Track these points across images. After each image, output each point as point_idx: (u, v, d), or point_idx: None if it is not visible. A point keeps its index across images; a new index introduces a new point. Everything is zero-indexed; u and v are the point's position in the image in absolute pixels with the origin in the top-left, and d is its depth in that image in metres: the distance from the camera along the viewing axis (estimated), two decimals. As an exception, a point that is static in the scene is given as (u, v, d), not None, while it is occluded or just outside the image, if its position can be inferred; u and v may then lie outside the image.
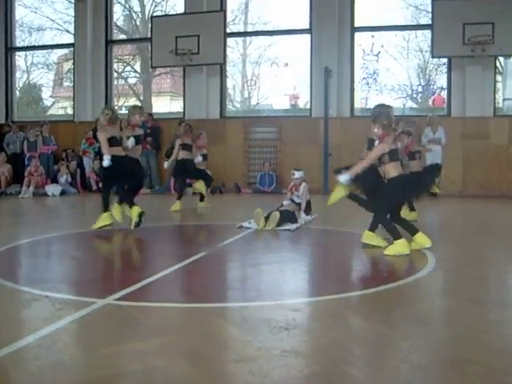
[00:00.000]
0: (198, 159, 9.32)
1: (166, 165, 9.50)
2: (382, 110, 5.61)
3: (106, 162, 6.66)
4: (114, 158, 6.71)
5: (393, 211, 5.50)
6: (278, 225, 6.94)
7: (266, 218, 7.00)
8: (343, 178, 5.41)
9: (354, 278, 4.67)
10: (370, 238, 5.59)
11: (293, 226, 7.00)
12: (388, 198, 5.44)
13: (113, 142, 6.84)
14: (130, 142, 6.97)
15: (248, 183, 13.97)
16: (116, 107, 16.20)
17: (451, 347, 2.80)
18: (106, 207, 6.86)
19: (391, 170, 5.34)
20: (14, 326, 3.14)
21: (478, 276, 4.55)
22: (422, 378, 2.41)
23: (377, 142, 5.50)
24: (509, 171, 12.59)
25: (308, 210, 7.90)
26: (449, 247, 6.03)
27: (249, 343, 2.81)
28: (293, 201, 7.70)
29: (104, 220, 6.78)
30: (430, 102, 14.56)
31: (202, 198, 9.44)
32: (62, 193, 12.79)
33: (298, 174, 7.72)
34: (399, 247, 5.23)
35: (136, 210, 6.78)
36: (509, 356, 2.69)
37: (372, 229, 5.61)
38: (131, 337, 2.91)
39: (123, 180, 7.07)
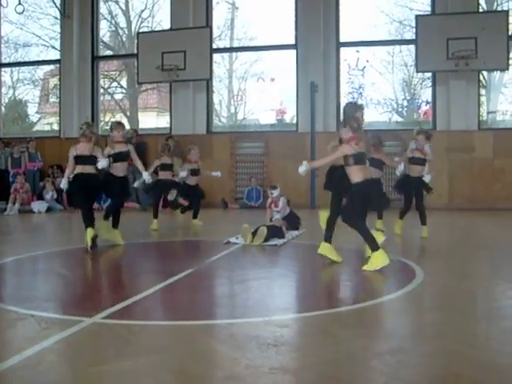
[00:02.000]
0: (183, 174, 8.97)
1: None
2: (351, 112, 5.60)
3: (62, 185, 6.70)
4: (79, 177, 6.63)
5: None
6: (266, 240, 6.93)
7: (254, 234, 6.99)
8: (302, 168, 5.43)
9: (341, 293, 4.66)
10: (325, 249, 5.61)
11: (280, 241, 7.00)
12: (353, 204, 5.36)
13: (80, 160, 6.67)
14: (101, 164, 6.74)
15: (235, 198, 13.97)
16: (102, 123, 16.19)
17: (440, 362, 2.80)
18: (87, 223, 6.58)
19: (355, 174, 5.26)
20: (-1, 347, 3.10)
21: (465, 289, 4.57)
22: (411, 394, 2.40)
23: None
24: (494, 184, 12.71)
25: (297, 225, 7.92)
26: (436, 261, 6.05)
27: (237, 361, 2.79)
28: (270, 220, 7.76)
29: (88, 235, 6.50)
30: (421, 115, 14.67)
31: (195, 215, 9.22)
32: (48, 209, 12.70)
33: (275, 192, 7.85)
34: (378, 260, 5.10)
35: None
36: (497, 370, 2.68)
37: (328, 240, 5.62)
38: (119, 355, 2.88)
39: (92, 198, 6.99)
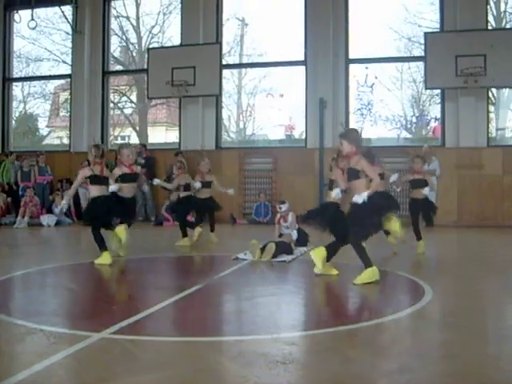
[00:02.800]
0: (197, 185, 8.91)
1: (156, 181, 9.08)
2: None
3: (62, 207, 6.64)
4: (100, 199, 6.67)
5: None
6: (274, 256, 6.93)
7: (262, 250, 6.99)
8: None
9: (350, 311, 4.64)
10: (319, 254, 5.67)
11: (289, 258, 6.99)
12: (362, 222, 5.36)
13: (95, 180, 6.69)
14: (111, 188, 6.82)
15: (243, 214, 13.97)
16: (111, 137, 16.29)
17: (450, 382, 2.78)
18: (100, 245, 6.68)
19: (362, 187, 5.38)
20: (7, 361, 3.10)
21: (475, 308, 4.54)
22: (421, 415, 2.39)
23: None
24: (503, 201, 12.65)
25: (306, 241, 7.91)
26: (445, 279, 6.02)
27: (245, 378, 2.78)
28: (280, 235, 7.76)
29: (104, 259, 6.60)
30: (430, 132, 14.67)
31: (212, 228, 9.19)
32: (57, 223, 12.74)
33: (284, 207, 7.83)
34: (368, 276, 5.24)
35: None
36: (507, 391, 2.67)
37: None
38: (127, 371, 2.88)
39: (107, 218, 6.92)
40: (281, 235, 7.81)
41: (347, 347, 3.37)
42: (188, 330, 3.89)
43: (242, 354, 3.19)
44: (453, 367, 2.99)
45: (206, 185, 9.05)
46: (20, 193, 13.54)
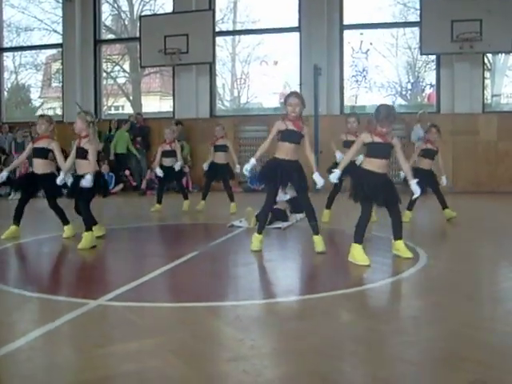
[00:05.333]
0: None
1: (205, 166, 9.16)
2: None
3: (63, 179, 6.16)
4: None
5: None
6: (270, 223, 6.93)
7: (257, 217, 6.99)
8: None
9: (345, 276, 4.66)
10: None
11: (284, 224, 7.01)
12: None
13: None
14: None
15: (238, 182, 13.96)
16: (105, 107, 16.17)
17: (443, 344, 2.81)
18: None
19: None
20: (5, 329, 3.12)
21: (469, 272, 4.58)
22: (416, 375, 2.42)
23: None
24: (498, 167, 12.68)
25: (301, 208, 7.91)
26: (440, 244, 6.05)
27: (242, 342, 2.81)
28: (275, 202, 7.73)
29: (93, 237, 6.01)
30: (425, 99, 14.61)
31: (231, 198, 9.09)
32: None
33: None
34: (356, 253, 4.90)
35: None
36: (501, 352, 2.70)
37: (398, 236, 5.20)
38: (124, 337, 2.90)
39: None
40: (275, 203, 7.80)
41: (342, 311, 3.40)
42: (185, 295, 3.91)
43: (238, 318, 3.22)
44: (447, 329, 3.02)
45: (222, 148, 9.11)
46: (14, 164, 13.47)
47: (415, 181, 5.14)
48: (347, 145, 7.48)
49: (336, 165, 6.64)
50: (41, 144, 6.48)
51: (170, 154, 8.97)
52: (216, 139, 9.17)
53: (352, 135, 7.42)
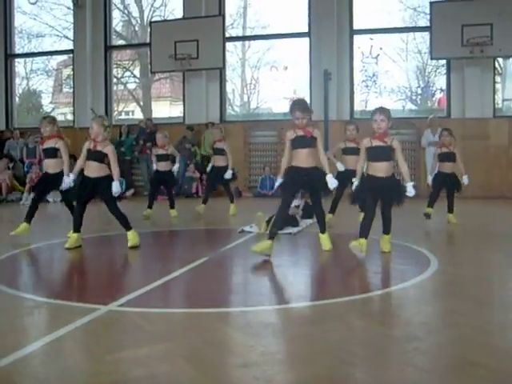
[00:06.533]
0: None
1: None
2: None
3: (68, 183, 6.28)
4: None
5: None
6: (280, 229, 6.92)
7: (268, 222, 6.99)
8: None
9: (356, 281, 4.66)
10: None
11: (294, 230, 7.00)
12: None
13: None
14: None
15: (249, 187, 13.98)
16: (115, 112, 16.25)
17: (455, 349, 2.80)
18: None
19: None
20: (18, 334, 3.14)
21: (480, 278, 4.56)
22: (427, 381, 2.41)
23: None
24: (509, 172, 12.60)
25: (311, 214, 7.90)
26: (451, 249, 6.03)
27: (252, 348, 2.81)
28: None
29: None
30: (435, 103, 14.56)
31: (231, 199, 9.35)
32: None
33: None
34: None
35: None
36: (512, 357, 2.69)
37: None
38: (135, 343, 2.91)
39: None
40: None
41: (353, 317, 3.39)
42: (195, 301, 3.92)
43: (248, 324, 3.22)
44: (458, 335, 3.01)
45: (219, 152, 9.21)
46: (25, 169, 13.56)
47: (412, 183, 5.36)
48: (346, 152, 7.66)
49: (339, 174, 7.24)
50: (48, 144, 6.67)
51: (164, 157, 9.00)
52: (214, 142, 9.27)
53: (351, 142, 7.59)
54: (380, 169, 5.26)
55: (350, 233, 6.20)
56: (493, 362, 2.58)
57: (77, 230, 6.00)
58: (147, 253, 6.09)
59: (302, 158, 5.48)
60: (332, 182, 5.48)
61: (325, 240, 5.70)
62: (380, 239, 5.56)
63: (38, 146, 13.76)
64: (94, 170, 5.96)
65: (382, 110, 5.36)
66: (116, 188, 5.86)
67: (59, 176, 6.53)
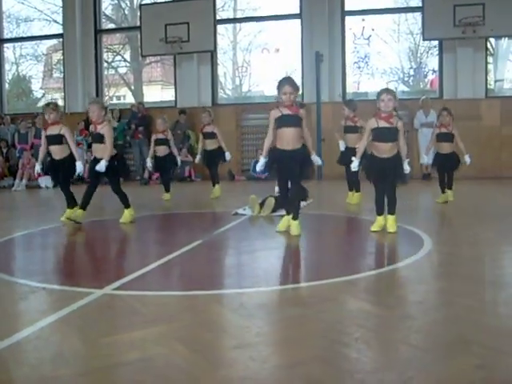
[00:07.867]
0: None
1: (197, 159, 9.45)
2: None
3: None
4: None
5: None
6: (274, 210, 6.94)
7: (261, 204, 7.00)
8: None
9: (349, 262, 4.67)
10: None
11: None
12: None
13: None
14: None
15: (242, 170, 13.96)
16: (107, 97, 16.14)
17: (449, 328, 2.81)
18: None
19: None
20: (12, 319, 3.13)
21: (473, 257, 4.58)
22: (422, 359, 2.42)
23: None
24: (501, 152, 12.63)
25: (304, 196, 7.91)
26: (444, 229, 6.05)
27: (247, 329, 2.81)
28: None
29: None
30: (428, 84, 14.53)
31: (214, 182, 9.39)
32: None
33: None
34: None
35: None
36: (505, 335, 2.70)
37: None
38: (130, 326, 2.91)
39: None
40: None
41: (348, 297, 3.40)
42: (189, 284, 3.92)
43: (243, 305, 3.22)
44: (452, 314, 3.03)
45: (209, 136, 9.22)
46: (17, 155, 13.48)
47: (407, 160, 5.55)
48: (347, 130, 7.75)
49: (342, 153, 7.65)
50: (53, 130, 6.78)
51: (163, 141, 9.10)
52: (203, 126, 9.25)
53: (350, 121, 7.70)
54: (385, 150, 5.38)
55: (341, 215, 6.22)
56: (487, 339, 2.59)
57: (83, 207, 6.39)
58: (141, 237, 6.09)
59: (288, 139, 5.39)
60: (316, 160, 5.57)
61: (294, 226, 5.49)
62: (386, 219, 5.59)
63: (31, 132, 13.72)
64: (99, 151, 6.32)
65: (388, 90, 5.44)
66: (100, 168, 6.16)
67: (66, 161, 6.71)
